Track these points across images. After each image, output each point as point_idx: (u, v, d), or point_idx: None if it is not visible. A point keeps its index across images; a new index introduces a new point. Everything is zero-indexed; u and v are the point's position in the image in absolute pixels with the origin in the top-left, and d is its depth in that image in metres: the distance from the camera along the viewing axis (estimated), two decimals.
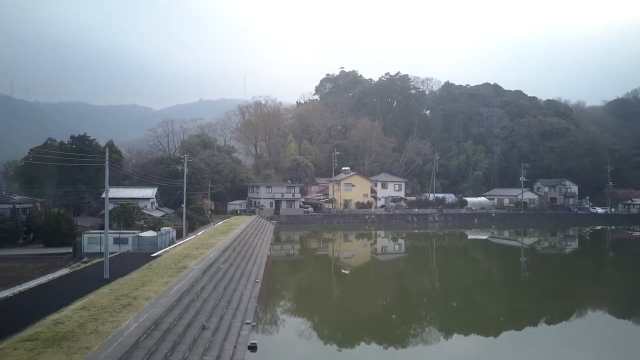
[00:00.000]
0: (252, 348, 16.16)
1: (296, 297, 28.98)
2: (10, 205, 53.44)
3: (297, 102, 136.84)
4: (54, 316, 14.09)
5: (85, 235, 42.29)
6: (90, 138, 66.07)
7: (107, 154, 32.16)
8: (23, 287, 26.03)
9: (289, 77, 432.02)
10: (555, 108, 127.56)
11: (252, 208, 79.43)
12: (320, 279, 35.35)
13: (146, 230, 46.05)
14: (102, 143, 66.77)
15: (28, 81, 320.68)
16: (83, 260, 37.09)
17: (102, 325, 13.28)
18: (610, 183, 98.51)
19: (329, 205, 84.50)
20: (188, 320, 15.46)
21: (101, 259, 31.67)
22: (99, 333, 12.59)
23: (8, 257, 42.24)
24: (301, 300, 28.51)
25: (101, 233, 41.92)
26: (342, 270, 38.97)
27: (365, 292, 30.52)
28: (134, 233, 43.77)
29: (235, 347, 15.54)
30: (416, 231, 73.04)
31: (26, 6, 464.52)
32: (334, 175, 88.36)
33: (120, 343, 11.70)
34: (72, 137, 65.73)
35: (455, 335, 17.53)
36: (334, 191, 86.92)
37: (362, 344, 19.36)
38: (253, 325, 18.70)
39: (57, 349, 11.31)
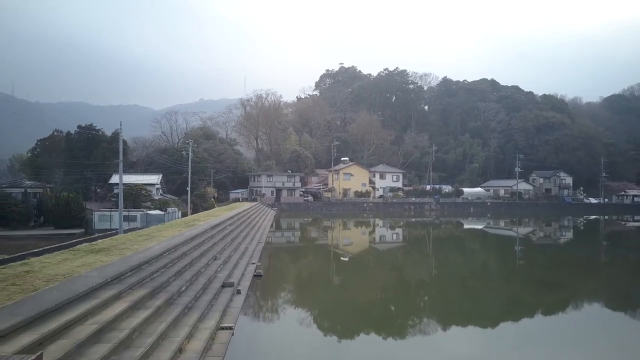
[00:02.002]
0: (258, 276, 18.29)
1: (297, 266, 30.78)
2: (22, 189, 55.34)
3: (297, 97, 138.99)
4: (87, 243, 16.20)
5: (96, 213, 44.68)
6: (97, 128, 68.28)
7: (120, 129, 34.47)
8: (44, 248, 28.34)
9: (289, 76, 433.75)
10: (551, 102, 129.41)
11: (253, 196, 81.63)
12: (320, 249, 37.35)
13: (153, 210, 48.42)
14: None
15: (29, 81, 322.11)
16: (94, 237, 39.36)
17: (131, 246, 15.46)
18: (604, 174, 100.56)
19: (329, 194, 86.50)
20: (202, 251, 17.61)
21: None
22: (129, 249, 14.74)
23: (20, 236, 44.43)
24: (303, 265, 30.40)
25: (112, 211, 44.37)
26: (341, 242, 41.04)
27: (354, 257, 32.49)
28: (142, 211, 46.16)
29: (243, 274, 17.67)
30: (413, 219, 74.58)
31: (26, 6, 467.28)
32: (333, 165, 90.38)
33: (148, 254, 13.84)
34: (79, 126, 67.87)
35: (453, 323, 17.21)
36: (333, 180, 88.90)
37: (345, 292, 20.87)
38: (258, 265, 20.79)
39: (96, 254, 13.46)
